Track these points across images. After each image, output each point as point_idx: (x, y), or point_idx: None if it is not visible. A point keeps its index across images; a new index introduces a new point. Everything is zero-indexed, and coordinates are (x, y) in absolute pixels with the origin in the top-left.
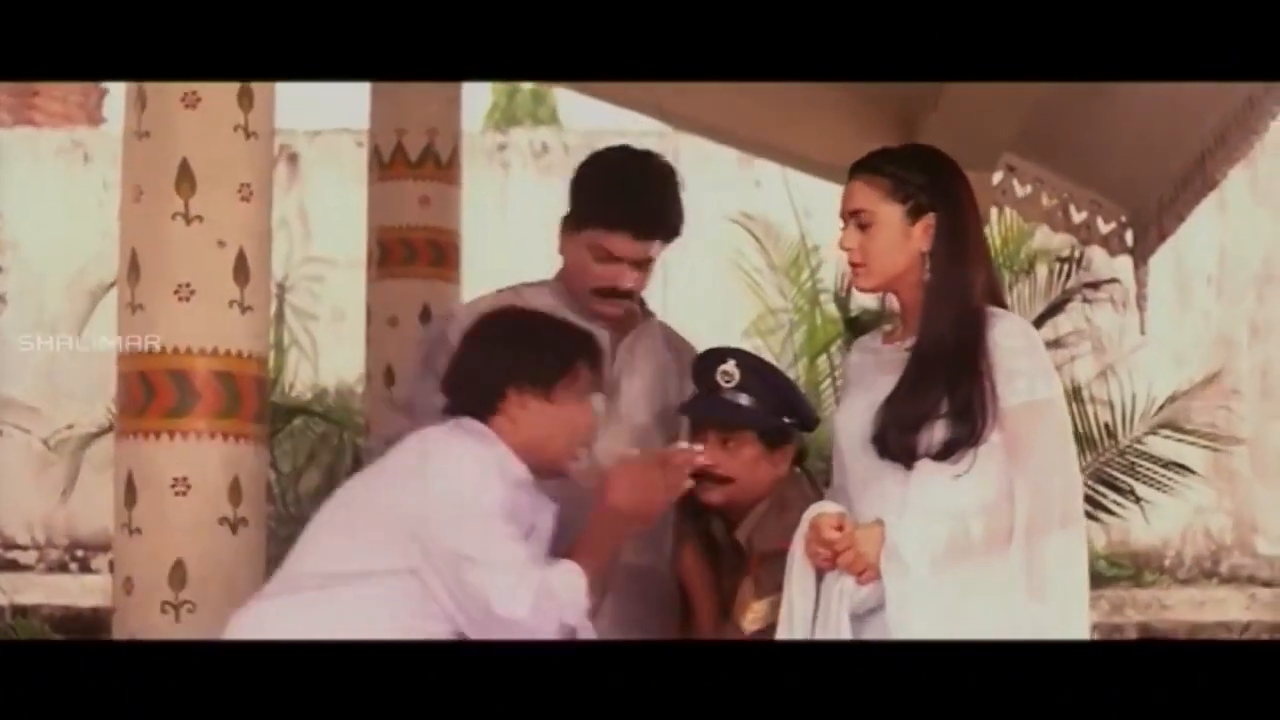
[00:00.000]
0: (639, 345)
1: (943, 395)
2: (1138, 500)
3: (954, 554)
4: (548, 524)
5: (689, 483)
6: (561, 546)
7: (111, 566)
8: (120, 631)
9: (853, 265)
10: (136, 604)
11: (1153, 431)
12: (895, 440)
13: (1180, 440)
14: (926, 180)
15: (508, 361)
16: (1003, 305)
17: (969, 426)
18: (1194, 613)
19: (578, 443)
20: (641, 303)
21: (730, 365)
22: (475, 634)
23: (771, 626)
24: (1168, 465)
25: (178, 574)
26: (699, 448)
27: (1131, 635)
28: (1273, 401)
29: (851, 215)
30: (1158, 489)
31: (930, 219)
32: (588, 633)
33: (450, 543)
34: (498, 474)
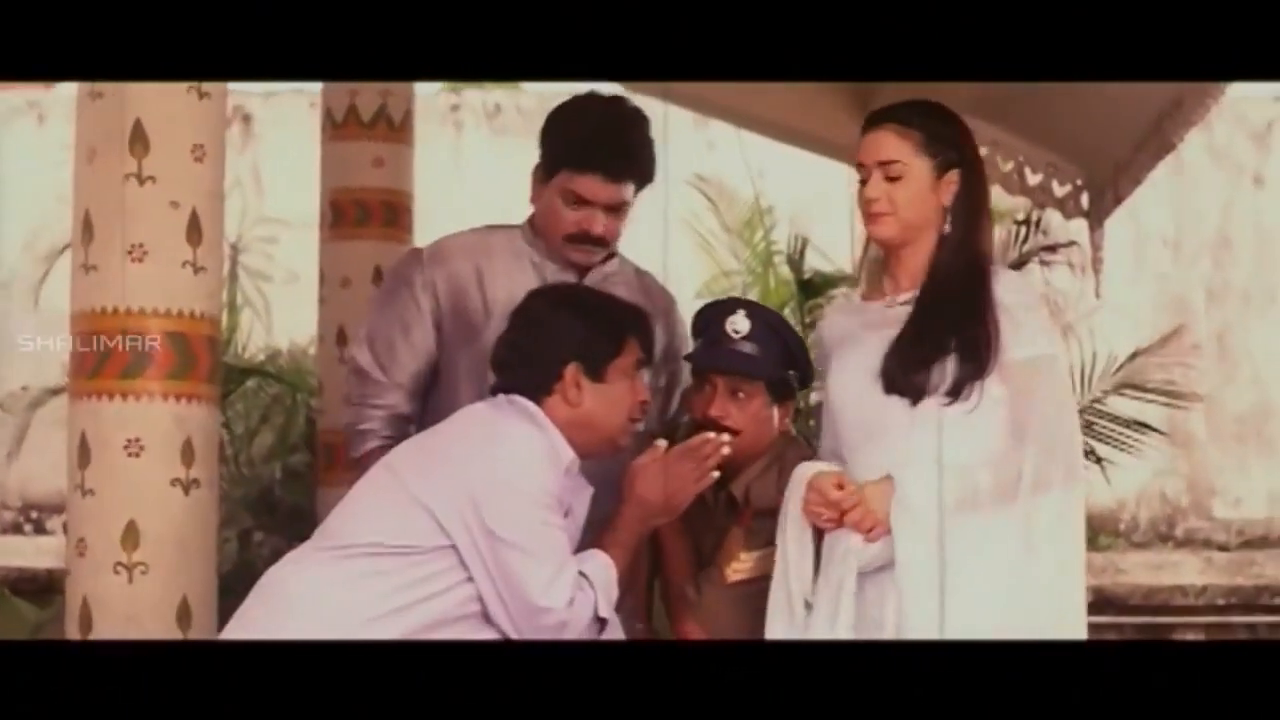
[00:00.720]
0: (606, 286)
1: (950, 339)
2: (1098, 460)
3: (963, 506)
4: (583, 507)
5: (715, 475)
6: (589, 532)
7: (65, 528)
8: (73, 593)
9: (876, 214)
10: (89, 565)
11: (1113, 391)
12: (903, 380)
13: (1139, 399)
14: (953, 137)
15: (561, 341)
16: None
17: (976, 364)
18: (1150, 576)
19: (630, 420)
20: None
21: (740, 316)
22: (507, 621)
23: (760, 579)
24: (1128, 424)
25: (130, 535)
26: (726, 437)
27: (1088, 599)
28: (1229, 365)
29: (880, 165)
30: (1117, 448)
31: (955, 175)
32: (615, 626)
33: (498, 527)
34: (549, 459)
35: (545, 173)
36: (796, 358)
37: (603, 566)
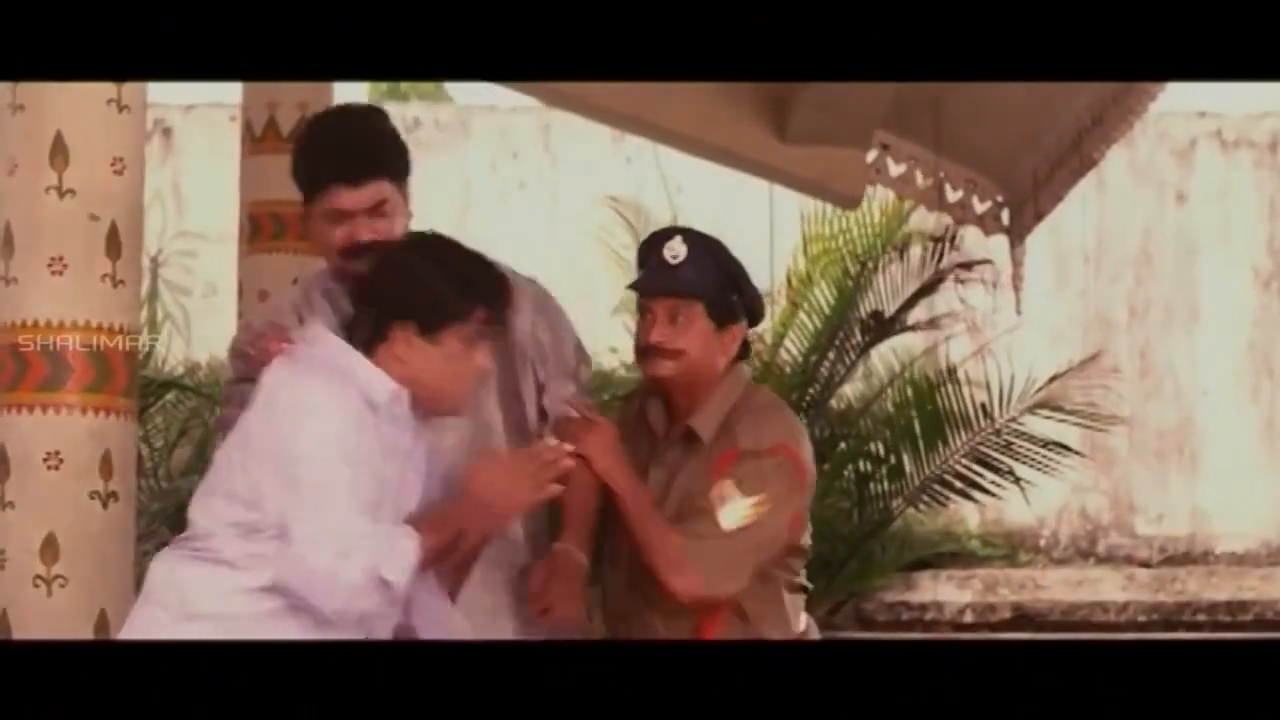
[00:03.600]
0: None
1: None
2: (1016, 480)
3: None
4: (422, 438)
5: (556, 488)
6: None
7: None
8: None
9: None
10: (9, 578)
11: (1031, 411)
12: None
13: (1059, 420)
14: None
15: (399, 295)
16: None
17: None
18: (1070, 593)
19: (462, 389)
20: None
21: (676, 241)
22: (290, 576)
23: (756, 528)
24: (1046, 444)
25: (49, 548)
26: (568, 446)
27: (1006, 615)
28: (1151, 381)
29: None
30: (1036, 468)
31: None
32: (410, 600)
33: (287, 485)
34: (352, 403)
35: (306, 205)
36: (738, 282)
37: (403, 536)
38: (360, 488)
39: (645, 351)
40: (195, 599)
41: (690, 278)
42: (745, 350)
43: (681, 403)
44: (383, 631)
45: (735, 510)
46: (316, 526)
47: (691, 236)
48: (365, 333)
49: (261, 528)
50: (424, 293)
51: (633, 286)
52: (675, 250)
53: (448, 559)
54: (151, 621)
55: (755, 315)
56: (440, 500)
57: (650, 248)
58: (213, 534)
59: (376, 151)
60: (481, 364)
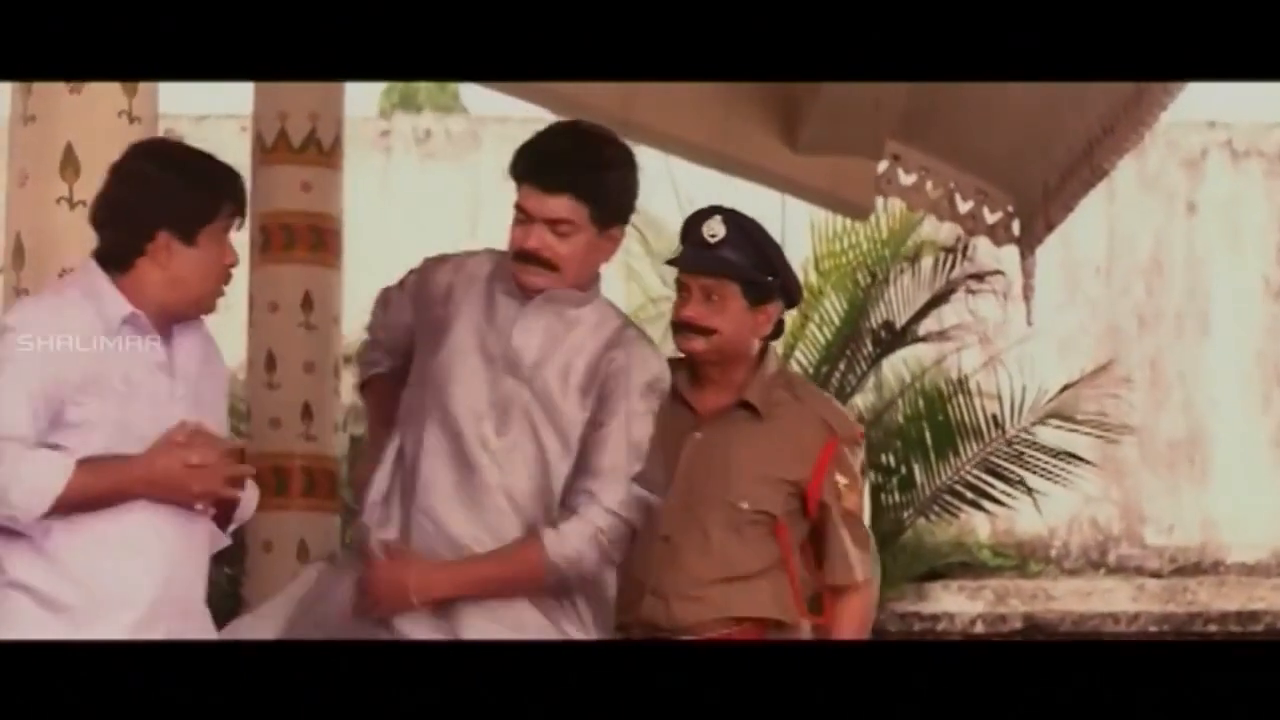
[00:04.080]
0: (545, 308)
1: None
2: (1028, 490)
3: None
4: (146, 365)
5: (232, 493)
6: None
7: None
8: None
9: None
10: None
11: (1042, 421)
12: None
13: (1070, 429)
14: None
15: (155, 201)
16: None
17: None
18: (1080, 603)
19: (217, 283)
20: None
21: (716, 221)
22: None
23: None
24: (1057, 454)
25: None
26: (249, 469)
27: (1017, 626)
28: (1161, 391)
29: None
30: (1047, 478)
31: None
32: (46, 526)
33: None
34: (64, 322)
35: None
36: (774, 263)
37: (51, 460)
38: (42, 404)
39: (679, 327)
40: None
41: (726, 257)
42: (779, 330)
43: (714, 376)
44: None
45: (855, 492)
46: None
47: (731, 217)
48: (121, 249)
49: None
50: (176, 199)
51: (670, 262)
52: (714, 229)
53: (99, 506)
54: None
55: (792, 297)
56: (125, 455)
57: (691, 226)
58: None
59: (582, 171)
60: (231, 260)
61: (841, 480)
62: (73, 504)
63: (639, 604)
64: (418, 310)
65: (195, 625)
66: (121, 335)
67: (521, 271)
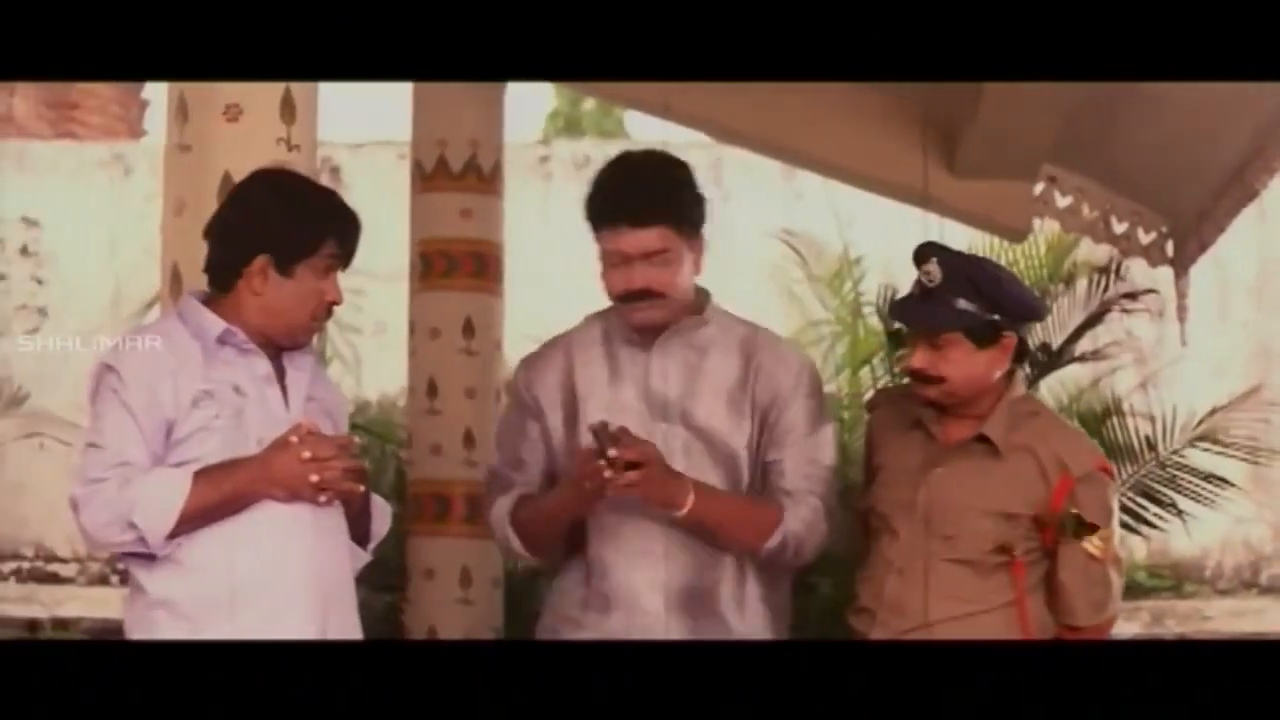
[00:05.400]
0: (670, 345)
1: None
2: (1179, 513)
3: None
4: (254, 377)
5: (353, 488)
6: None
7: None
8: None
9: None
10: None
11: (1192, 444)
12: None
13: (1219, 453)
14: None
15: (258, 228)
16: None
17: None
18: (1233, 623)
19: (312, 319)
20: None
21: (932, 266)
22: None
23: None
24: (1207, 477)
25: None
26: (360, 488)
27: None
28: None
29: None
30: (1197, 501)
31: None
32: (175, 545)
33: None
34: (169, 346)
35: (597, 242)
36: (998, 300)
37: (169, 479)
38: (151, 426)
39: (911, 375)
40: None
41: (941, 311)
42: (1022, 353)
43: (957, 409)
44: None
45: (1102, 539)
46: (86, 460)
47: (945, 259)
48: (221, 269)
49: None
50: (278, 229)
51: (891, 314)
52: (931, 273)
53: (223, 514)
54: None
55: (1028, 319)
56: (241, 459)
57: (915, 265)
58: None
59: (662, 197)
60: (331, 297)
61: (1076, 519)
62: (197, 515)
63: (868, 635)
64: (547, 412)
65: (341, 616)
66: (222, 351)
67: (632, 311)
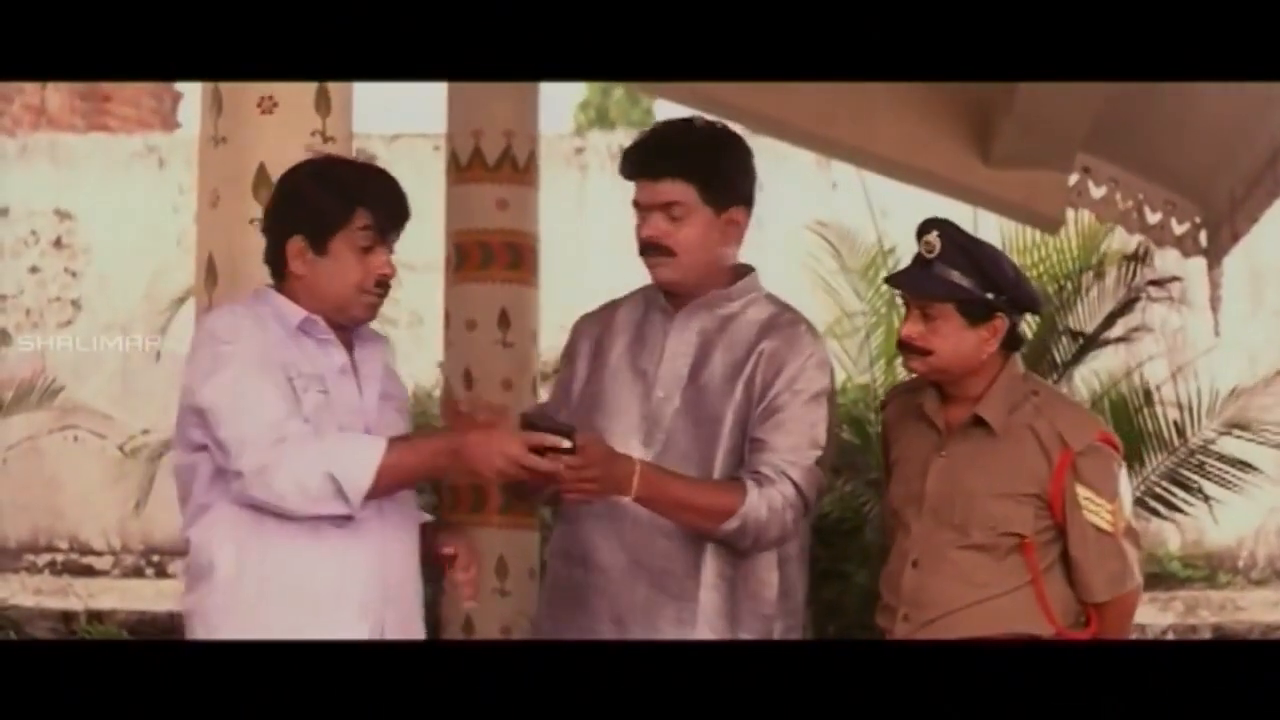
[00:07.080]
0: (692, 318)
1: None
2: (1207, 500)
3: None
4: (335, 355)
5: (545, 464)
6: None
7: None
8: None
9: None
10: None
11: (1223, 432)
12: None
13: (1250, 440)
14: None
15: (289, 209)
16: None
17: None
18: (1268, 613)
19: (360, 291)
20: (742, 271)
21: (933, 236)
22: (249, 497)
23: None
24: (1237, 464)
25: None
26: (558, 464)
27: (1206, 636)
28: None
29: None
30: (1227, 488)
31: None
32: (366, 510)
33: (203, 402)
34: (259, 325)
35: None
36: (995, 280)
37: (365, 445)
38: (284, 395)
39: (900, 345)
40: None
41: (937, 278)
42: (1016, 340)
43: (952, 391)
44: (348, 534)
45: (1103, 512)
46: (237, 425)
47: (947, 231)
48: (270, 258)
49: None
50: (307, 206)
51: (888, 280)
52: (931, 245)
53: (409, 482)
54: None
55: (1022, 307)
56: (430, 432)
57: (917, 237)
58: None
59: (678, 151)
60: (383, 270)
61: (1082, 493)
62: (391, 478)
63: (893, 630)
64: (576, 362)
65: (402, 613)
66: (302, 341)
67: (648, 267)
